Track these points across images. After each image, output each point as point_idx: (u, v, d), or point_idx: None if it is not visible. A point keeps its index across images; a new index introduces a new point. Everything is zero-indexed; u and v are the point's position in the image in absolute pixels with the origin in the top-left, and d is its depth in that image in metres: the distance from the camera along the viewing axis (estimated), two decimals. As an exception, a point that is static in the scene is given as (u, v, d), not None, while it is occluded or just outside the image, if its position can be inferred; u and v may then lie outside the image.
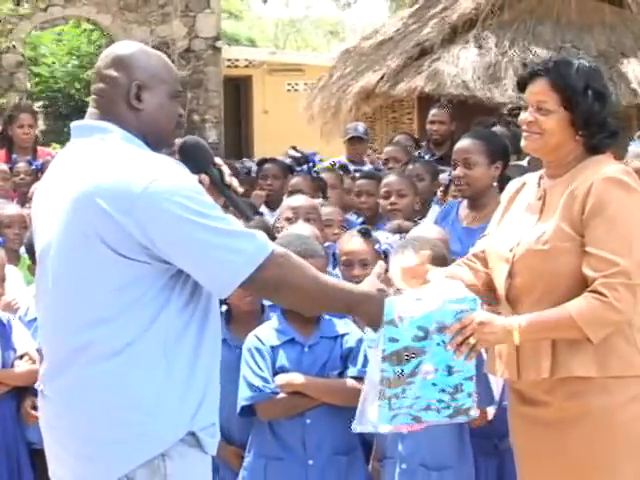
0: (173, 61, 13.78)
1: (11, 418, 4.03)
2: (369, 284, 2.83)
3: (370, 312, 2.75)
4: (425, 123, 7.88)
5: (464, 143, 4.71)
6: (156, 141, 2.70)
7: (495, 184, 4.57)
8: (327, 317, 3.63)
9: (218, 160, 2.93)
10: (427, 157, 6.37)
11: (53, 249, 2.59)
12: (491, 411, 3.47)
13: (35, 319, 3.84)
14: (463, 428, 3.51)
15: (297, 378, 3.53)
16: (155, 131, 2.70)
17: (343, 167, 7.10)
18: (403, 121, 10.78)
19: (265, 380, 3.53)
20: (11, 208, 5.36)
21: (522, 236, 3.06)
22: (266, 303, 3.86)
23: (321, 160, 7.07)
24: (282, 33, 34.50)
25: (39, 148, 7.49)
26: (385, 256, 4.00)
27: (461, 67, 9.78)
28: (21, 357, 4.04)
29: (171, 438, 2.56)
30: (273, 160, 6.42)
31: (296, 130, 12.86)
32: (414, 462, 3.52)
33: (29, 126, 7.27)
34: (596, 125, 3.03)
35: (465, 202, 4.77)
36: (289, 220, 4.75)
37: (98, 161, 2.57)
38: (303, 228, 4.29)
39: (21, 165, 6.72)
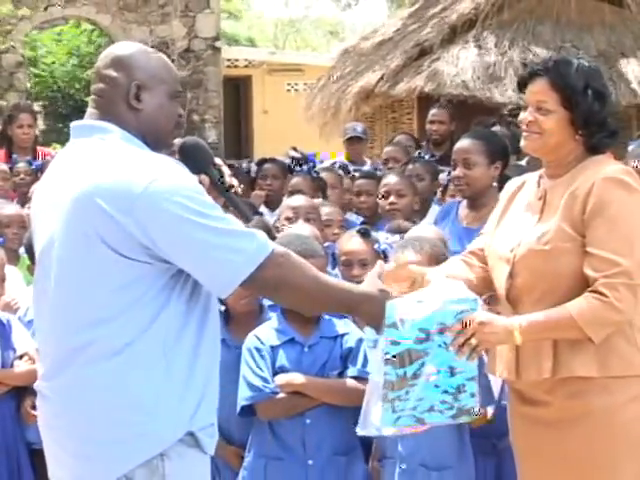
0: (173, 61, 13.78)
1: (11, 418, 4.03)
2: (370, 284, 2.83)
3: (371, 312, 2.75)
4: (425, 123, 7.88)
5: (464, 143, 4.71)
6: (155, 141, 2.70)
7: (495, 184, 4.56)
8: (327, 317, 3.63)
9: (218, 160, 2.93)
10: (427, 157, 6.36)
11: (53, 249, 2.59)
12: (490, 411, 3.47)
13: (35, 319, 3.83)
14: (463, 428, 3.51)
15: (297, 378, 3.53)
16: (154, 131, 2.70)
17: (343, 167, 7.10)
18: (403, 121, 10.77)
19: (265, 380, 3.53)
20: (10, 208, 5.36)
21: (523, 236, 3.06)
22: (266, 303, 3.86)
23: (321, 161, 7.07)
24: (282, 33, 34.53)
25: (39, 148, 7.50)
26: (385, 256, 4.00)
27: (461, 67, 9.78)
28: (21, 357, 4.04)
29: (170, 438, 2.56)
30: (273, 160, 6.41)
31: (296, 130, 12.87)
32: (414, 462, 3.51)
33: (29, 126, 7.27)
34: (596, 125, 3.03)
35: (465, 202, 4.77)
36: (289, 220, 4.75)
37: (98, 161, 2.57)
38: (303, 228, 4.30)
39: (21, 165, 6.72)
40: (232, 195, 2.88)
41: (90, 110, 2.72)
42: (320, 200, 5.42)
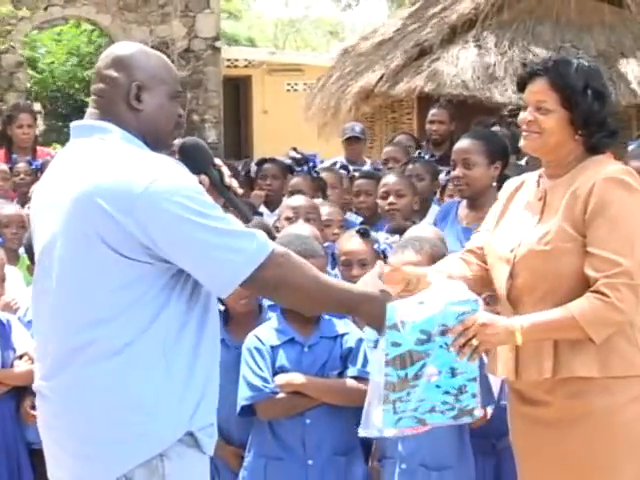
0: (173, 61, 13.77)
1: (11, 418, 4.03)
2: (371, 284, 2.84)
3: (371, 313, 2.75)
4: (425, 123, 7.87)
5: (463, 143, 4.70)
6: (155, 141, 2.70)
7: (494, 184, 4.56)
8: (327, 317, 3.63)
9: (218, 161, 2.93)
10: (427, 157, 6.36)
11: (54, 249, 2.59)
12: (489, 411, 3.47)
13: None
14: (463, 428, 3.51)
15: (297, 378, 3.53)
16: (154, 131, 2.70)
17: (344, 167, 7.10)
18: (403, 121, 10.77)
19: (265, 380, 3.53)
20: (9, 208, 5.35)
21: (523, 237, 3.06)
22: (266, 303, 3.86)
23: (321, 161, 7.06)
24: (281, 33, 34.54)
25: (39, 148, 7.49)
26: (384, 256, 4.00)
27: (460, 67, 9.78)
28: (20, 357, 4.04)
29: (170, 438, 2.56)
30: (272, 160, 6.40)
31: (295, 130, 12.87)
32: (414, 462, 3.51)
33: (28, 126, 7.27)
34: (595, 124, 3.03)
35: (464, 202, 4.77)
36: (289, 220, 4.75)
37: (98, 161, 2.57)
38: (303, 228, 4.30)
39: (21, 165, 6.72)
40: (232, 195, 2.88)
41: (90, 110, 2.72)
42: (320, 200, 5.42)
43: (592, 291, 2.89)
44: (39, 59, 21.32)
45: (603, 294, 2.87)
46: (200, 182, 2.76)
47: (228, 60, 19.39)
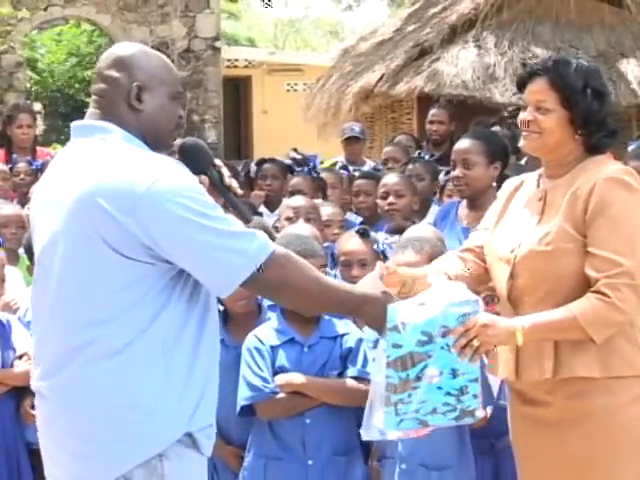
0: (173, 61, 13.77)
1: (10, 418, 4.03)
2: (372, 286, 2.84)
3: (372, 314, 2.75)
4: (424, 123, 7.88)
5: (463, 143, 4.70)
6: (155, 142, 2.70)
7: (494, 184, 4.56)
8: (327, 317, 3.63)
9: (218, 161, 2.93)
10: (426, 157, 6.36)
11: (55, 249, 2.59)
12: (488, 411, 3.47)
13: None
14: (463, 428, 3.51)
15: (297, 378, 3.53)
16: (155, 132, 2.70)
17: (344, 167, 7.10)
18: (402, 121, 10.77)
19: (265, 380, 3.53)
20: (8, 208, 5.35)
21: (523, 237, 3.06)
22: (265, 303, 3.86)
23: (321, 162, 7.06)
24: (281, 33, 34.57)
25: (38, 148, 7.49)
26: (384, 256, 4.01)
27: (460, 67, 9.78)
28: (20, 357, 4.04)
29: (169, 439, 2.56)
30: (272, 160, 6.40)
31: (295, 130, 12.88)
32: (414, 462, 3.51)
33: (28, 126, 7.27)
34: (595, 124, 3.03)
35: (464, 202, 4.77)
36: (289, 220, 4.75)
37: (99, 161, 2.57)
38: (302, 228, 4.30)
39: (21, 165, 6.72)
40: (231, 196, 2.88)
41: (91, 110, 2.72)
42: (320, 200, 5.42)
43: (593, 291, 2.89)
44: (39, 59, 21.32)
45: (604, 294, 2.87)
46: (200, 182, 2.76)
47: (228, 60, 19.41)
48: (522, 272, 3.04)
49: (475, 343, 2.80)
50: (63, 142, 14.36)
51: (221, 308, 3.66)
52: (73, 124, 2.75)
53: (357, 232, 4.16)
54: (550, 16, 10.19)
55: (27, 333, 4.07)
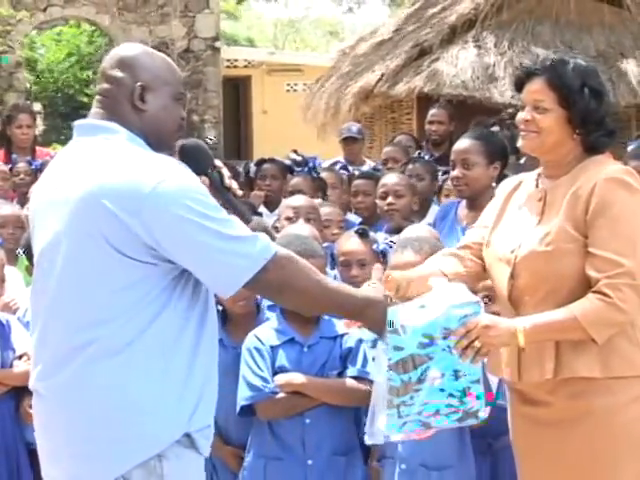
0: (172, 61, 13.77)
1: (10, 418, 4.03)
2: (374, 289, 2.85)
3: (373, 317, 2.76)
4: (424, 123, 7.87)
5: (463, 143, 4.70)
6: (158, 142, 2.71)
7: (494, 184, 4.56)
8: (326, 317, 3.63)
9: (218, 162, 2.94)
10: (426, 157, 6.36)
11: (57, 249, 2.59)
12: (487, 411, 3.47)
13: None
14: (463, 428, 3.50)
15: (297, 378, 3.53)
16: (157, 132, 2.71)
17: (343, 167, 7.10)
18: (402, 121, 10.77)
19: (265, 380, 3.53)
20: (6, 208, 5.34)
21: (523, 238, 3.06)
22: (265, 303, 3.86)
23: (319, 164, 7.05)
24: (281, 33, 34.56)
25: (38, 148, 7.49)
26: (383, 256, 4.01)
27: (460, 67, 9.77)
28: (20, 357, 4.04)
29: (168, 439, 2.57)
30: (272, 160, 6.40)
31: (295, 130, 12.87)
32: (414, 462, 3.51)
33: (27, 126, 7.27)
34: (593, 123, 3.03)
35: (464, 202, 4.77)
36: (290, 220, 4.75)
37: (104, 161, 2.57)
38: (302, 228, 4.30)
39: (21, 165, 6.72)
40: (231, 197, 2.89)
41: (95, 110, 2.72)
42: (319, 200, 5.42)
43: (594, 292, 2.89)
44: (39, 59, 21.33)
45: (605, 295, 2.87)
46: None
47: (228, 60, 19.42)
48: (522, 272, 3.04)
49: (477, 344, 2.80)
50: (63, 142, 14.36)
51: (220, 308, 3.66)
52: (76, 123, 2.75)
53: (356, 232, 4.17)
54: (550, 16, 10.18)
55: (27, 333, 4.07)
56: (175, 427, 2.58)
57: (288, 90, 20.14)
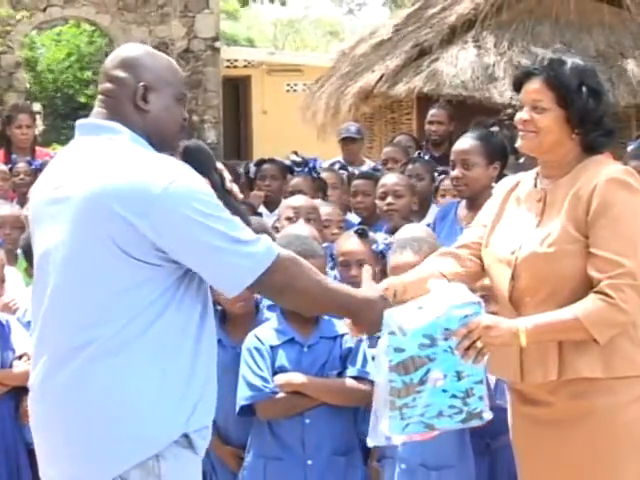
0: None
1: (10, 418, 4.04)
2: (372, 289, 2.86)
3: (369, 318, 2.78)
4: (424, 123, 7.87)
5: (462, 144, 4.70)
6: (160, 142, 2.71)
7: (493, 184, 4.56)
8: (326, 317, 3.63)
9: (219, 165, 2.94)
10: (426, 157, 6.36)
11: (58, 249, 2.58)
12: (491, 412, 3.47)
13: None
14: (463, 428, 3.51)
15: (296, 378, 3.53)
16: (160, 133, 2.71)
17: (343, 167, 7.10)
18: (402, 121, 10.76)
19: (265, 380, 3.53)
20: (4, 208, 5.33)
21: (524, 239, 3.05)
22: (264, 303, 3.86)
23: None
24: (281, 33, 34.56)
25: (38, 148, 7.49)
26: (382, 256, 4.01)
27: (460, 67, 9.77)
28: (20, 357, 4.04)
29: (166, 439, 2.57)
30: (272, 161, 6.40)
31: (295, 131, 12.87)
32: (414, 462, 3.51)
33: (27, 127, 7.28)
34: (591, 123, 3.02)
35: (464, 202, 4.78)
36: (290, 220, 4.75)
37: (109, 162, 2.57)
38: (302, 228, 4.30)
39: (21, 165, 6.71)
40: (232, 200, 2.90)
41: (97, 109, 2.72)
42: (319, 200, 5.42)
43: (595, 292, 2.89)
44: (38, 59, 21.32)
45: (607, 295, 2.87)
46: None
47: (227, 60, 19.40)
48: (523, 274, 3.03)
49: (478, 344, 2.80)
50: (62, 142, 14.37)
51: (218, 308, 3.66)
52: (78, 122, 2.75)
53: (356, 232, 4.17)
54: (550, 16, 10.18)
55: (26, 333, 4.07)
56: (173, 427, 2.58)
57: (288, 90, 20.13)
